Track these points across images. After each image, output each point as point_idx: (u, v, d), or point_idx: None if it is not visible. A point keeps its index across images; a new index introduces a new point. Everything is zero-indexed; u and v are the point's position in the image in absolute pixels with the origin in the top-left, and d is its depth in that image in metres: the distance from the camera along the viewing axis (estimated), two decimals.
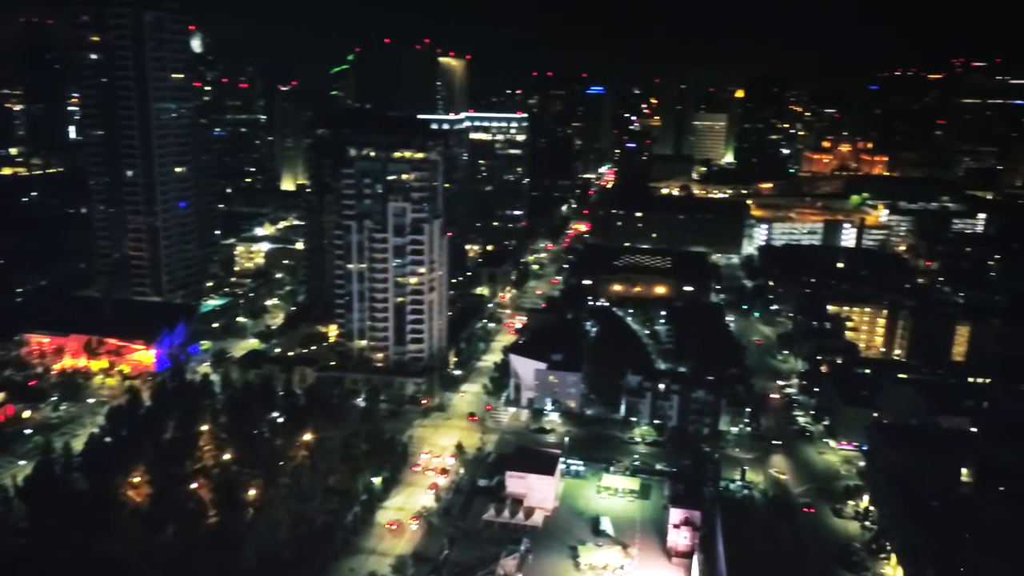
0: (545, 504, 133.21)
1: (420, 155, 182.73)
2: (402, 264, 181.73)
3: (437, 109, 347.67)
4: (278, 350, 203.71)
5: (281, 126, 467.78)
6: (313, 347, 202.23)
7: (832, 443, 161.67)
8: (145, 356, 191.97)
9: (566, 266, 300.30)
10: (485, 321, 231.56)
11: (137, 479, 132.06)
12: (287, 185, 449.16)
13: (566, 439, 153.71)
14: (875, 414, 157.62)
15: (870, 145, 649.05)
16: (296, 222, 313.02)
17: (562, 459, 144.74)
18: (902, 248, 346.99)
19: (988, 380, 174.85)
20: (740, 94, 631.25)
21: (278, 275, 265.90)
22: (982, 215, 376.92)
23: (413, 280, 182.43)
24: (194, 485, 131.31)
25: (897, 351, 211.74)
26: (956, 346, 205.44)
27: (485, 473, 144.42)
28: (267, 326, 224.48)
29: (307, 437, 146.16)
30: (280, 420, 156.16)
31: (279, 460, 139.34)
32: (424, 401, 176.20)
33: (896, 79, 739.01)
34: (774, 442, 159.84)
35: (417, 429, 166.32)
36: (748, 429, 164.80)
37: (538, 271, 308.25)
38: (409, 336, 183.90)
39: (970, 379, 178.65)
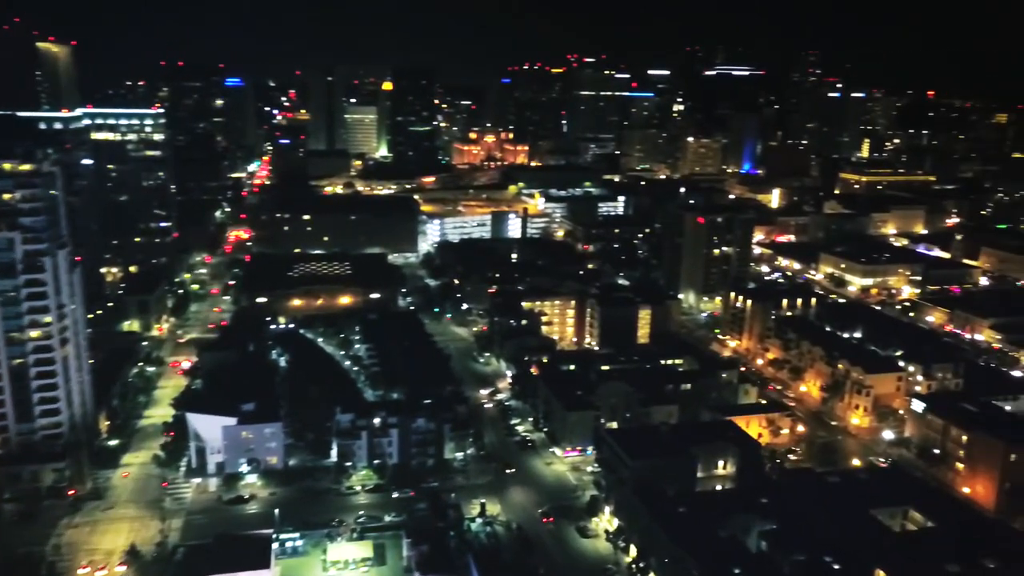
0: None
1: (28, 166, 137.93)
2: (16, 314, 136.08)
3: (41, 105, 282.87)
4: None
5: None
6: None
7: (558, 451, 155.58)
8: None
9: (232, 282, 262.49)
10: (142, 365, 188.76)
11: None
12: None
13: (276, 511, 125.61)
14: (596, 414, 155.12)
15: (511, 136, 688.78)
16: None
17: (274, 537, 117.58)
18: (561, 234, 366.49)
19: (682, 362, 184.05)
20: (388, 86, 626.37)
21: None
22: (621, 197, 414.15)
23: (35, 333, 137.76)
24: None
25: (588, 340, 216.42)
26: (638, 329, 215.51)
27: None
28: None
29: None
30: None
31: None
32: (71, 491, 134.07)
33: (524, 72, 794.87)
34: (508, 471, 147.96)
35: (67, 532, 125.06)
36: (473, 451, 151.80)
37: (200, 291, 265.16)
38: (38, 408, 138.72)
39: (662, 362, 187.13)
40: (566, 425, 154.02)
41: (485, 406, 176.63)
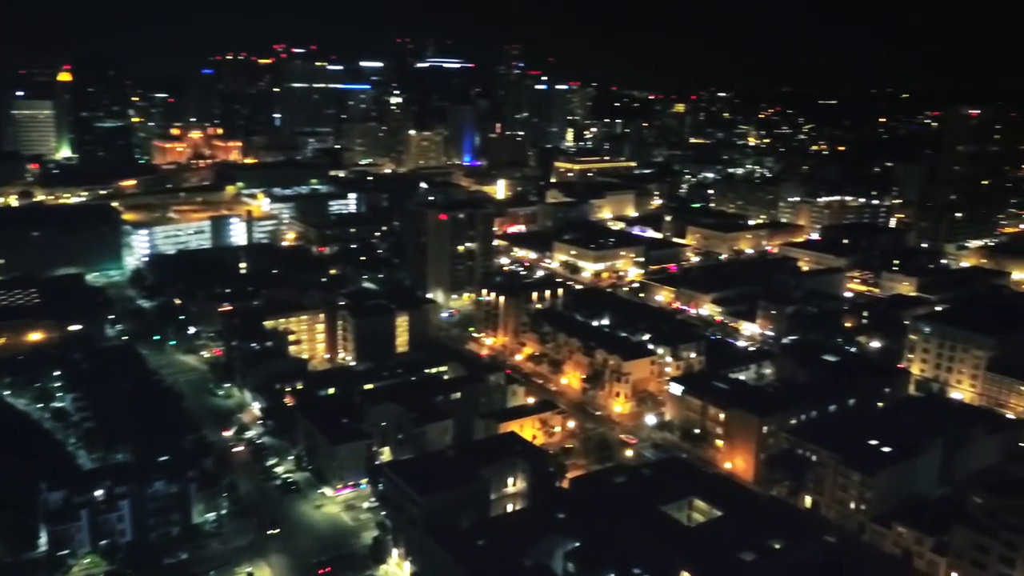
0: None
1: None
2: None
3: None
4: None
5: None
6: None
7: (328, 491, 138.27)
8: None
9: None
10: None
11: None
12: None
13: None
14: (367, 443, 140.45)
15: (220, 131, 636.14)
16: None
17: None
18: (292, 237, 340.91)
19: (447, 369, 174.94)
20: (65, 77, 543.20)
21: None
22: (352, 194, 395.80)
23: None
24: None
25: (343, 355, 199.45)
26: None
27: None
28: None
29: None
30: None
31: None
32: None
33: (228, 63, 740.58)
34: (270, 532, 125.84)
35: None
36: (228, 508, 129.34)
37: None
38: None
39: (427, 371, 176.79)
40: (335, 460, 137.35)
41: (234, 449, 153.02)
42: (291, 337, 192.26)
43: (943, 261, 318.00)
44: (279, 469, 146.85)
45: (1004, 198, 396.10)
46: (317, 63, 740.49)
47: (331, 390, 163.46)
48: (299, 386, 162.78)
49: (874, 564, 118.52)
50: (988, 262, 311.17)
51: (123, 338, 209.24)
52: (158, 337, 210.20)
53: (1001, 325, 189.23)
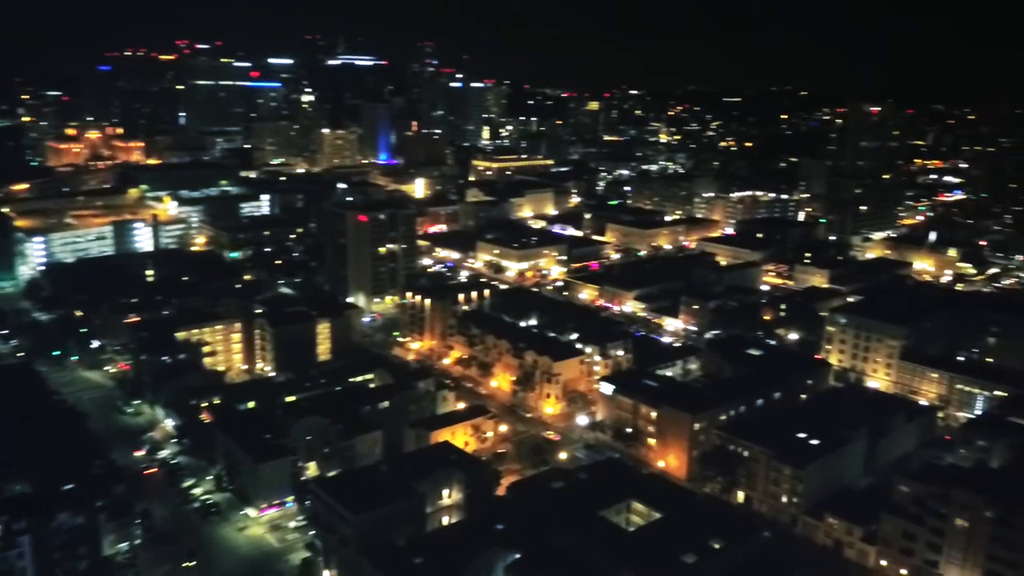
0: None
1: None
2: None
3: None
4: None
5: None
6: None
7: (252, 512, 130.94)
8: None
9: None
10: None
11: None
12: None
13: None
14: (293, 459, 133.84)
15: (120, 131, 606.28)
16: None
17: None
18: (202, 241, 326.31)
19: (373, 377, 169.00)
20: None
21: None
22: (264, 196, 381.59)
23: None
24: None
25: (261, 365, 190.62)
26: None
27: None
28: None
29: None
30: None
31: None
32: None
33: (127, 59, 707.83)
34: (187, 564, 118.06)
35: None
36: (142, 537, 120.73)
37: None
38: None
39: (352, 379, 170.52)
40: (258, 479, 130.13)
41: (147, 472, 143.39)
42: (205, 348, 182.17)
43: (851, 253, 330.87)
44: (197, 491, 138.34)
45: (902, 191, 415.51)
46: (223, 60, 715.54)
47: (251, 404, 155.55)
48: (216, 400, 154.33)
49: (808, 556, 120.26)
50: (892, 253, 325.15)
51: (18, 355, 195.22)
52: (58, 353, 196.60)
53: (910, 314, 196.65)
